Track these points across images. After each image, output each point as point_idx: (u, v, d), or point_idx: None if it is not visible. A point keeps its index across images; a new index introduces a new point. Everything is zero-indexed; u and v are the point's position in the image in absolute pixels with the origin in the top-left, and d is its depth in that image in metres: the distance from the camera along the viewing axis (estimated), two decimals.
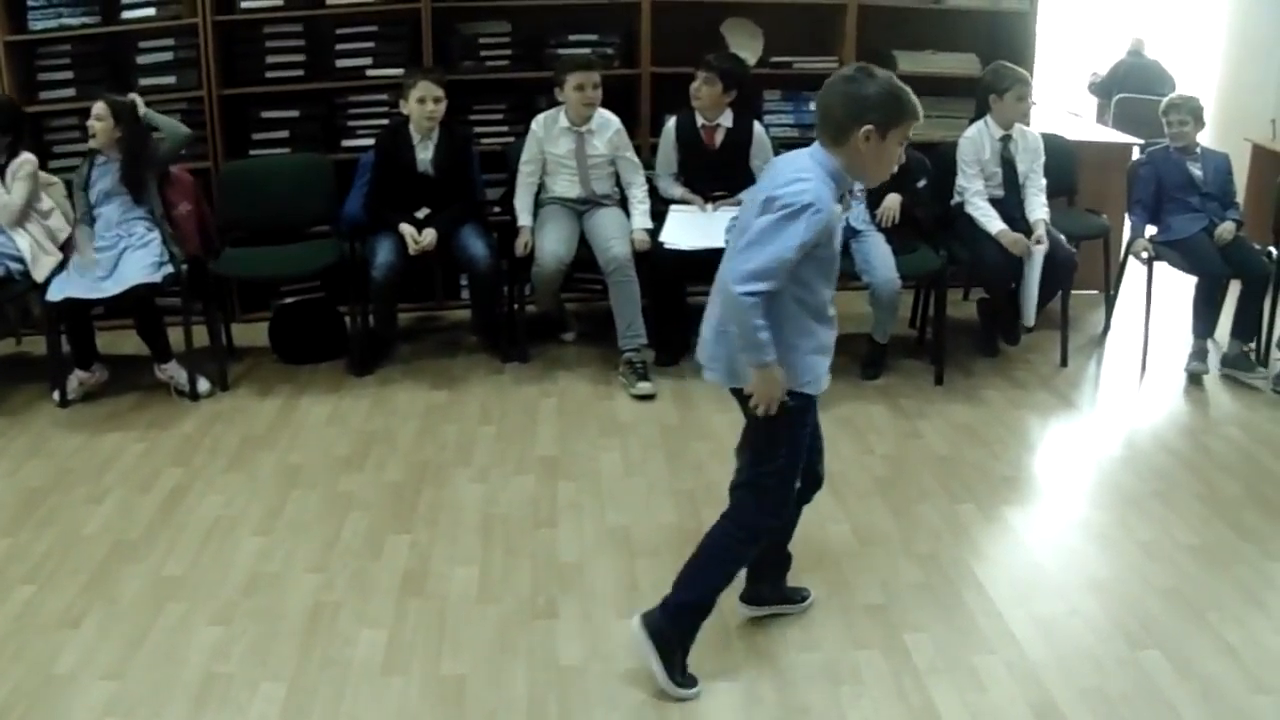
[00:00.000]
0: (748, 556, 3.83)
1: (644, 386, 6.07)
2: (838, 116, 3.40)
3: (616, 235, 6.28)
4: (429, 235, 6.05)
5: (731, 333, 3.53)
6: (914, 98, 3.46)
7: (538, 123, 6.43)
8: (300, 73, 6.90)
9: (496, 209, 6.71)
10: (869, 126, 3.37)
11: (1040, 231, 6.29)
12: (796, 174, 3.39)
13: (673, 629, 3.74)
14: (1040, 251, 6.22)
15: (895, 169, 3.60)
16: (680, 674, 3.73)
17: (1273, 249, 6.82)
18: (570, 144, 6.39)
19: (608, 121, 6.47)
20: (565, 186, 6.46)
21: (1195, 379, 6.60)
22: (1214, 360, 6.63)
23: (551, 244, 6.23)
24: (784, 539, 4.11)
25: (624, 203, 6.57)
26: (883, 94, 3.39)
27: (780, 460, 3.72)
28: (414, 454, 5.32)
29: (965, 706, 3.67)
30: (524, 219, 6.40)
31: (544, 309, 6.64)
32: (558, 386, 6.15)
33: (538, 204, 6.47)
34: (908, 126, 3.46)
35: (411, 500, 4.88)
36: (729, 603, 4.08)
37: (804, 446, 3.78)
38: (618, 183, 6.58)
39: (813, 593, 4.26)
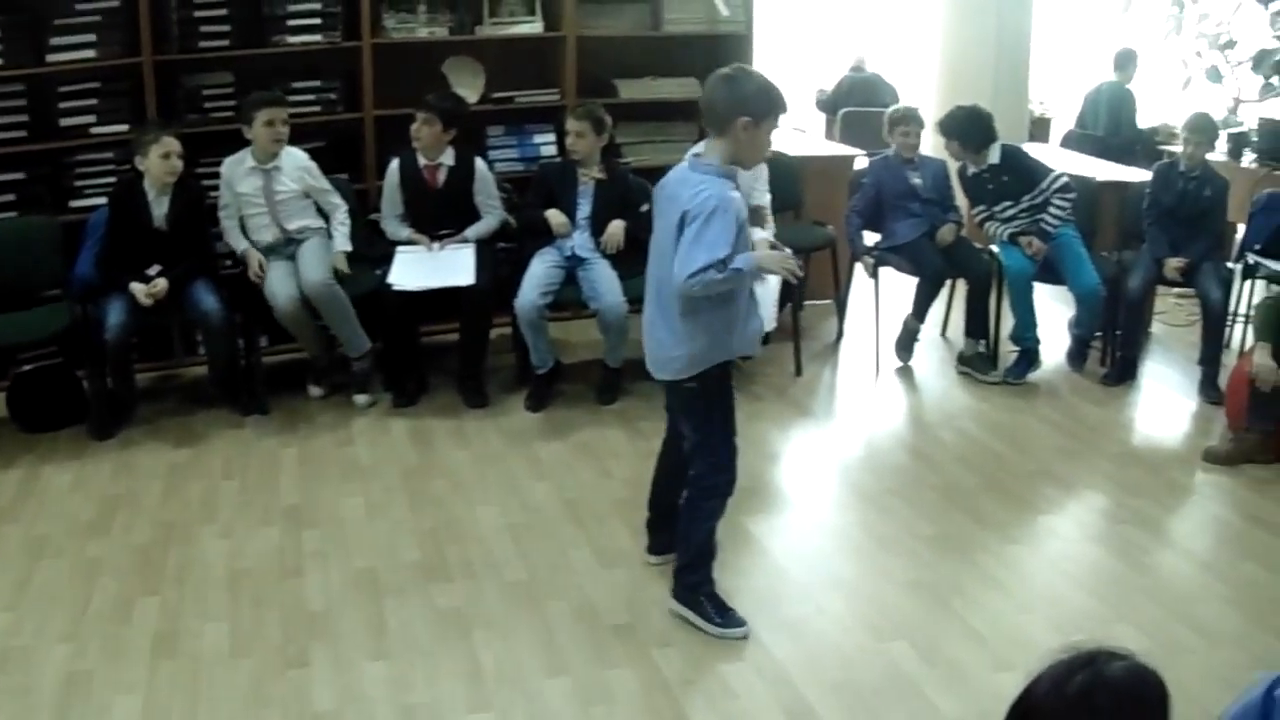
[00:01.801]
0: (719, 509, 4.43)
1: (361, 400, 6.29)
2: (719, 110, 4.04)
3: (312, 262, 6.37)
4: (160, 283, 6.00)
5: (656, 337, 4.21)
6: (782, 93, 4.10)
7: (226, 165, 6.46)
8: (24, 133, 6.73)
9: (228, 263, 6.70)
10: (746, 118, 3.99)
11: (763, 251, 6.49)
12: (694, 187, 4.00)
13: (686, 589, 4.43)
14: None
15: (766, 156, 4.33)
16: (720, 616, 4.38)
17: (993, 248, 7.23)
18: (258, 182, 6.42)
19: (294, 156, 6.51)
20: (259, 230, 6.48)
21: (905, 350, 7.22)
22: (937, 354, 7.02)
23: (281, 285, 6.27)
24: (672, 498, 4.61)
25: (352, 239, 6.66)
26: (757, 89, 4.04)
27: (715, 424, 4.33)
28: (159, 514, 5.32)
29: (718, 714, 3.90)
30: (241, 243, 6.46)
31: (313, 354, 6.66)
32: (298, 436, 6.18)
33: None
34: (776, 118, 4.06)
35: (159, 561, 4.89)
36: (477, 634, 4.25)
37: (731, 406, 4.37)
38: (321, 213, 6.64)
39: None
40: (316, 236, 6.56)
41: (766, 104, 4.06)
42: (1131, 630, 4.35)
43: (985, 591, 4.67)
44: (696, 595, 4.42)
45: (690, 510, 4.43)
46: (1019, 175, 6.99)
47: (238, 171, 6.44)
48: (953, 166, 7.30)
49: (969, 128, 6.99)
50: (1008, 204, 7.03)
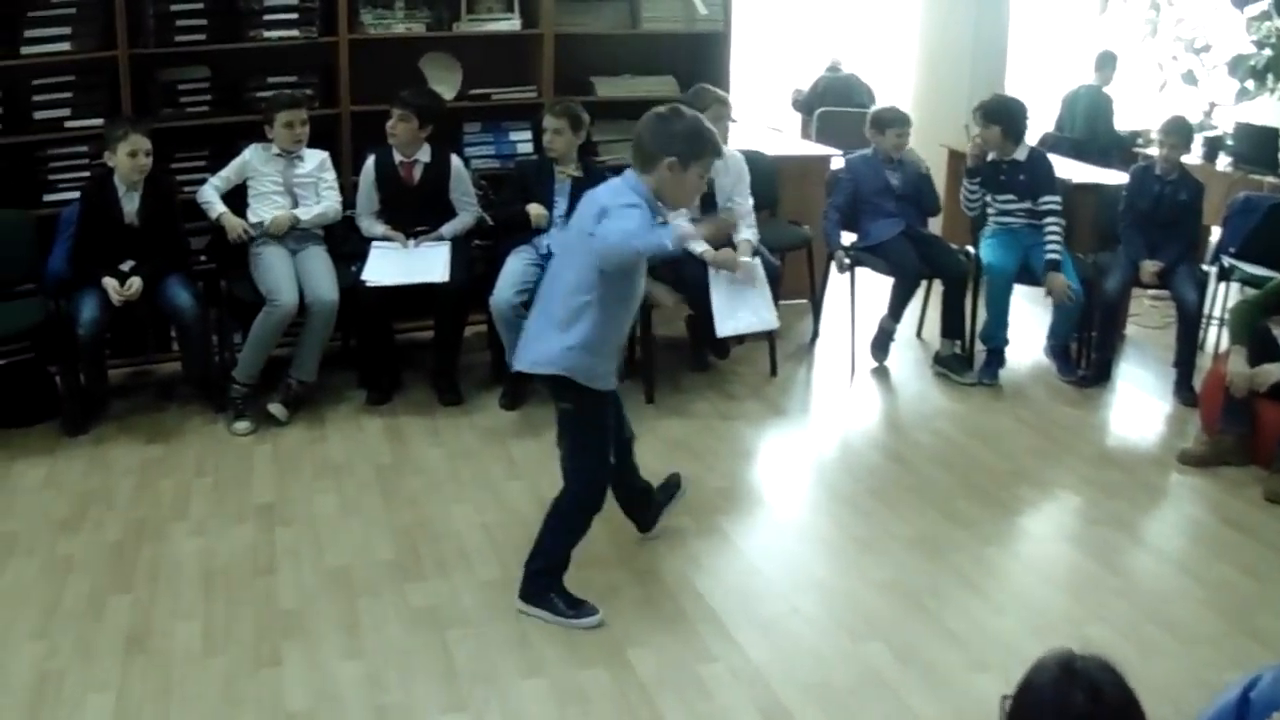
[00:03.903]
0: (585, 523, 4.44)
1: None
2: (646, 147, 4.05)
3: (322, 274, 6.36)
4: (134, 283, 5.96)
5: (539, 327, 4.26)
6: (716, 137, 4.08)
7: (251, 150, 6.47)
8: None
9: (202, 258, 6.68)
10: (672, 158, 4.00)
11: (746, 255, 6.49)
12: (624, 196, 4.02)
13: (535, 590, 4.45)
14: (748, 267, 6.45)
15: (691, 202, 4.34)
16: (572, 609, 4.41)
17: (970, 249, 7.25)
18: (280, 165, 6.45)
19: (317, 153, 6.58)
20: (268, 209, 6.43)
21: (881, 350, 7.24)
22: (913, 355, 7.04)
23: (288, 284, 6.23)
24: (633, 483, 4.80)
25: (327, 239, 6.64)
26: (687, 131, 4.02)
27: (590, 444, 4.36)
28: (132, 511, 5.29)
29: (693, 715, 3.89)
30: (220, 207, 6.39)
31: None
32: (271, 432, 6.15)
33: (250, 250, 6.42)
34: (708, 162, 4.05)
35: (131, 558, 4.87)
36: (451, 634, 4.24)
37: (609, 428, 4.38)
38: None
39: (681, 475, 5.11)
40: (318, 246, 6.55)
41: (695, 146, 4.05)
42: (1107, 631, 4.37)
43: (961, 592, 4.67)
44: (546, 594, 4.46)
45: (559, 518, 4.44)
46: (1034, 180, 7.02)
47: (261, 156, 6.48)
48: (936, 168, 7.30)
49: (1013, 117, 7.02)
50: (1011, 197, 7.06)
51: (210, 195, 6.42)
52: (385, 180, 6.68)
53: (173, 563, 4.85)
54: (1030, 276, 7.00)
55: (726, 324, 6.43)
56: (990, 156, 7.10)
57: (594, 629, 4.37)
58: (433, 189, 6.71)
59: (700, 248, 6.18)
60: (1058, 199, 6.94)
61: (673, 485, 5.09)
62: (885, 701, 3.98)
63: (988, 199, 7.16)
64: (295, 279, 6.31)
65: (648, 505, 4.97)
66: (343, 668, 4.12)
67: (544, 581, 4.45)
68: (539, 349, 4.25)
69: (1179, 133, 6.96)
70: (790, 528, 5.31)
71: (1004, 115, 7.01)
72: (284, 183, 6.49)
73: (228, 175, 6.48)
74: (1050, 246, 6.82)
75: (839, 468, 5.96)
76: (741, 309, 6.43)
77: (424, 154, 6.66)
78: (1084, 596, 4.67)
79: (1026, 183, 7.01)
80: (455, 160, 6.80)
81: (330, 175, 6.64)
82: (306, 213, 6.48)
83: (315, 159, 6.58)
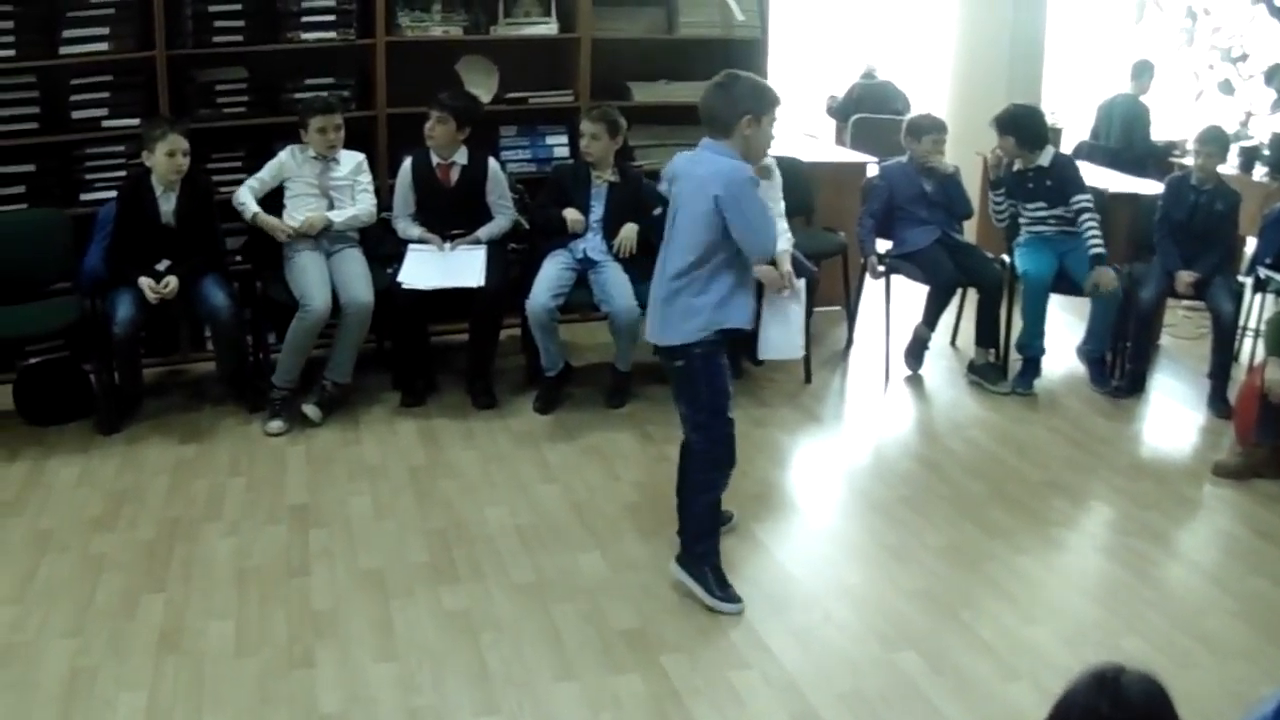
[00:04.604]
0: (721, 481, 4.67)
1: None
2: (721, 115, 4.35)
3: (358, 276, 6.37)
4: (170, 283, 5.99)
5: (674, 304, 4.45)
6: (774, 88, 4.44)
7: (287, 151, 6.49)
8: (35, 125, 6.73)
9: (238, 258, 6.72)
10: (748, 115, 4.30)
11: (786, 265, 6.15)
12: (720, 165, 4.32)
13: (692, 558, 4.62)
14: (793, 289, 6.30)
15: (768, 149, 4.61)
16: (720, 589, 4.57)
17: (1005, 257, 7.22)
18: (317, 168, 6.46)
19: (353, 155, 6.60)
20: (302, 208, 6.45)
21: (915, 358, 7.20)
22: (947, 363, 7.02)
23: (320, 288, 6.24)
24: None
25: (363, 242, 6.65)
26: (751, 89, 4.36)
27: (704, 398, 4.54)
28: (165, 510, 5.31)
29: None
30: (254, 207, 6.41)
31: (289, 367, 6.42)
32: (305, 433, 6.16)
33: (284, 253, 6.44)
34: (775, 111, 4.41)
35: (164, 557, 4.88)
36: (485, 637, 4.24)
37: (726, 378, 4.57)
38: None
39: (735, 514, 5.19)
40: (353, 248, 6.57)
41: (762, 101, 4.36)
42: (1139, 643, 4.34)
43: (993, 602, 4.65)
44: (701, 566, 4.58)
45: (690, 480, 4.66)
46: (1062, 184, 6.98)
47: (298, 158, 6.49)
48: (971, 176, 7.28)
49: (1027, 126, 7.00)
50: (1041, 204, 7.02)
51: (246, 197, 6.43)
52: (422, 182, 6.69)
53: (206, 562, 4.87)
54: (1066, 285, 6.96)
55: (769, 349, 6.34)
56: (1016, 166, 7.07)
57: (734, 615, 4.51)
58: (469, 191, 6.71)
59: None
60: (1089, 196, 6.90)
61: (726, 514, 5.07)
62: (917, 710, 3.96)
63: (1019, 209, 7.12)
64: (329, 283, 6.32)
65: None
66: (375, 669, 4.13)
67: (697, 548, 4.62)
68: (691, 318, 4.46)
69: (1215, 142, 6.91)
70: (823, 535, 5.30)
71: (1014, 125, 6.99)
72: (319, 185, 6.50)
73: (264, 177, 6.49)
74: (1091, 242, 6.78)
75: (872, 475, 5.94)
76: (775, 331, 6.31)
77: (461, 156, 6.66)
78: (1117, 608, 4.64)
79: (1054, 187, 6.97)
80: (492, 163, 6.80)
81: (366, 178, 6.64)
82: (340, 215, 6.48)
83: (351, 161, 6.59)
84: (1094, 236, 6.80)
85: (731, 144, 4.34)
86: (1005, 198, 7.16)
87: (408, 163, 6.74)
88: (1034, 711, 3.27)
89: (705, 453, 4.61)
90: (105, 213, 6.35)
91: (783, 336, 6.27)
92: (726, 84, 4.36)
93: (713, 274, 4.38)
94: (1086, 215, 6.83)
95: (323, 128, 6.38)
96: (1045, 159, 6.98)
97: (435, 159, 6.65)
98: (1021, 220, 7.12)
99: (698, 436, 4.61)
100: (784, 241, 6.55)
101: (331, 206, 6.52)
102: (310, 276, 6.29)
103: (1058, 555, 5.16)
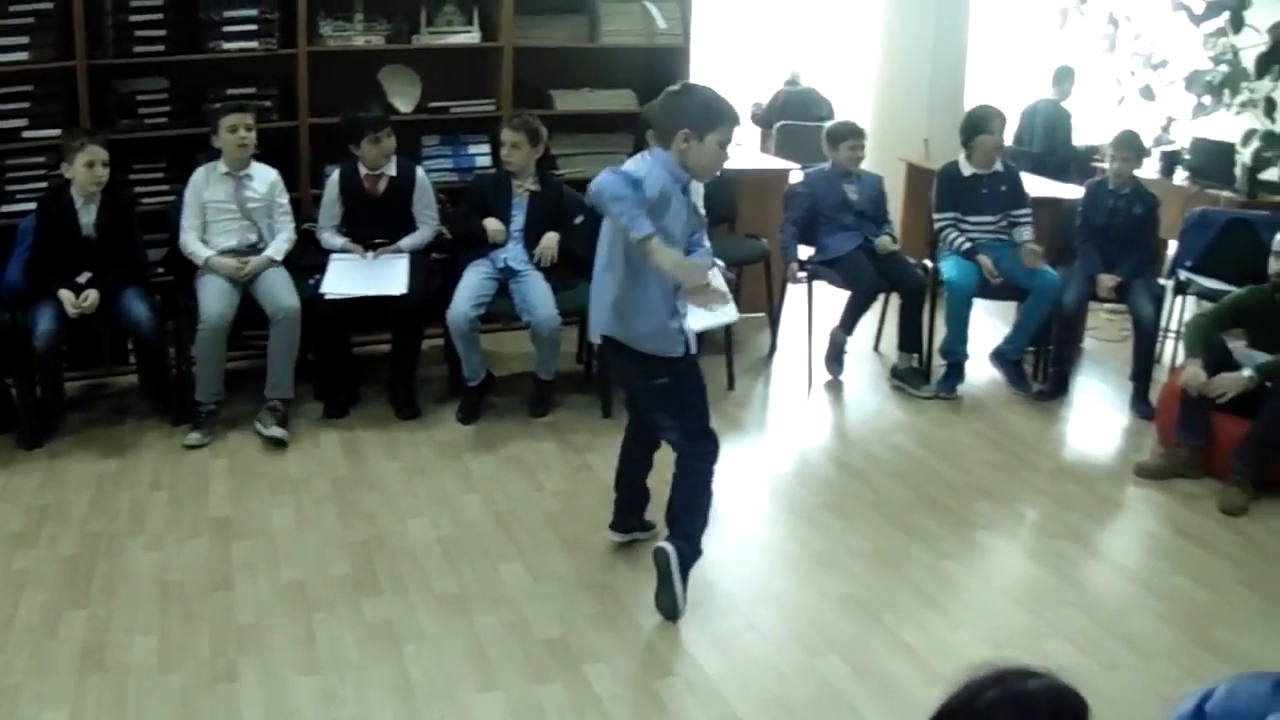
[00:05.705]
0: (713, 472, 4.69)
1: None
2: (660, 123, 4.35)
3: (282, 285, 6.32)
4: (90, 296, 5.93)
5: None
6: (730, 105, 4.37)
7: (197, 173, 6.40)
8: None
9: (159, 270, 6.65)
10: (686, 129, 4.25)
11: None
12: (641, 169, 4.28)
13: (693, 551, 4.63)
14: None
15: (718, 170, 4.51)
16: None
17: (927, 262, 7.27)
18: (229, 188, 6.38)
19: (267, 171, 6.52)
20: (223, 235, 6.40)
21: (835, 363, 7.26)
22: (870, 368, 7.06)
23: (216, 300, 6.16)
24: (643, 476, 4.94)
25: None
26: (699, 103, 4.31)
27: (689, 408, 4.65)
28: (87, 526, 5.25)
29: None
30: (204, 252, 6.31)
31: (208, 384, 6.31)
32: (228, 446, 6.11)
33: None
34: (726, 129, 4.28)
35: (87, 573, 4.83)
36: (407, 648, 4.22)
37: (703, 387, 4.71)
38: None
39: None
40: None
41: (706, 117, 4.28)
42: (1063, 644, 4.39)
43: (917, 606, 4.69)
44: (689, 566, 4.60)
45: (690, 483, 4.66)
46: (1012, 192, 7.12)
47: (210, 178, 6.40)
48: (895, 182, 7.33)
49: (965, 127, 7.17)
50: (986, 219, 7.12)
51: (194, 245, 6.34)
52: (349, 193, 6.66)
53: (128, 577, 4.81)
54: (990, 290, 7.02)
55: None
56: (966, 171, 7.13)
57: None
58: (396, 201, 6.70)
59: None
60: (1027, 211, 7.18)
61: (650, 524, 5.12)
62: (842, 716, 3.99)
63: (959, 222, 7.16)
64: (231, 294, 6.25)
65: (633, 509, 5.10)
66: (298, 683, 4.10)
67: (698, 547, 4.66)
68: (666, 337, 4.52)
69: (1129, 146, 7.01)
70: (747, 542, 5.31)
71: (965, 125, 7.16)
72: (237, 206, 6.42)
73: (190, 206, 6.40)
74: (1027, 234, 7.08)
75: (796, 481, 5.97)
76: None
77: (390, 167, 6.65)
78: (1041, 610, 4.68)
79: (1005, 194, 7.13)
80: (420, 173, 6.80)
81: (284, 199, 6.59)
82: (277, 251, 6.44)
83: (266, 180, 6.52)
84: (1027, 234, 7.07)
85: (671, 155, 4.32)
86: (944, 212, 7.20)
87: (335, 174, 6.71)
88: None
89: (693, 450, 4.69)
90: (26, 225, 6.25)
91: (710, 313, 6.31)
92: (674, 95, 4.37)
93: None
94: (1028, 225, 7.07)
95: (234, 126, 6.28)
96: (998, 163, 7.11)
97: (363, 170, 6.62)
98: (958, 235, 7.13)
99: (678, 437, 4.68)
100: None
101: (255, 227, 6.48)
102: (209, 288, 6.22)
103: (981, 559, 5.20)
